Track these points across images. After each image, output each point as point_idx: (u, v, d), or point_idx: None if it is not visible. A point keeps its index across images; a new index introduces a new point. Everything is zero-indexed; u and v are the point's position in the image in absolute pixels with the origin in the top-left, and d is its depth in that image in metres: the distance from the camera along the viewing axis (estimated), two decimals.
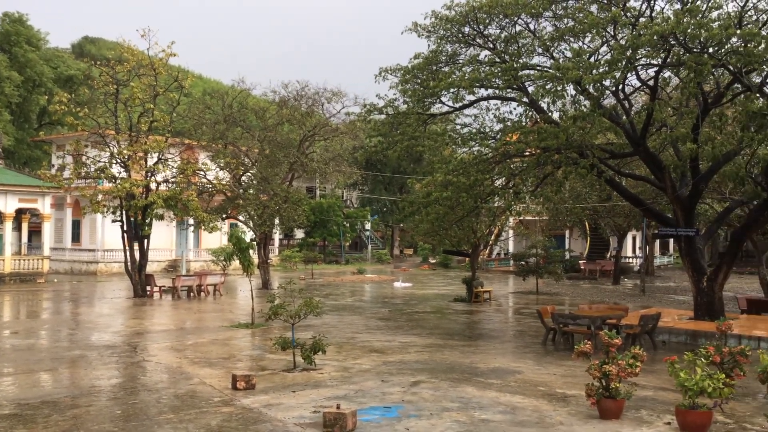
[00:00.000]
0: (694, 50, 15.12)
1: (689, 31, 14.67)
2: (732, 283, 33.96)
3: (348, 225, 61.03)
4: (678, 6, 16.58)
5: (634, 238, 53.99)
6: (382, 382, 12.13)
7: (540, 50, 18.49)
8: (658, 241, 51.78)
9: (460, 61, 19.48)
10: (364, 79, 20.04)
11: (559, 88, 16.29)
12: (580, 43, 17.70)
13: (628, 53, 15.27)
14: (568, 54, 17.58)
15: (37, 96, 56.36)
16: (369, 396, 11.00)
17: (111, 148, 28.42)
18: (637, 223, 39.09)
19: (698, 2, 16.06)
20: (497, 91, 19.20)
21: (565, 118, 17.61)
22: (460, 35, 19.16)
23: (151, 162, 29.18)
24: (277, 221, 34.57)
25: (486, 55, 19.19)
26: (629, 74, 17.00)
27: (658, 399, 10.96)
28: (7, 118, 53.87)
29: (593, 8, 17.48)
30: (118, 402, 10.72)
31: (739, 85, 16.18)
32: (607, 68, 15.62)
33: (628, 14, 16.71)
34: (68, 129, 35.27)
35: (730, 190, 24.40)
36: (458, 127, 21.83)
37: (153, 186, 28.91)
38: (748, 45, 14.48)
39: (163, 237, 43.05)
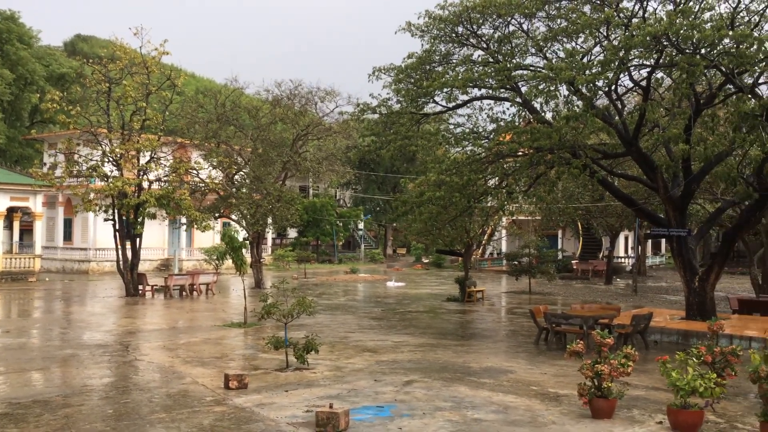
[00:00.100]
0: (687, 51, 15.18)
1: (682, 32, 14.73)
2: (723, 283, 34.10)
3: (341, 224, 60.98)
4: (671, 7, 16.65)
5: (626, 238, 54.19)
6: (375, 381, 12.13)
7: (533, 50, 18.53)
8: (650, 241, 51.98)
9: (454, 61, 19.50)
10: (363, 79, 20.09)
11: (552, 89, 16.33)
12: (573, 44, 17.75)
13: (620, 54, 15.32)
14: (561, 54, 17.61)
15: (28, 94, 56.07)
16: (362, 395, 11.00)
17: (103, 146, 28.33)
18: (629, 223, 39.22)
19: (691, 3, 16.13)
20: (490, 91, 19.23)
21: (558, 119, 17.65)
22: (454, 35, 19.18)
23: (143, 161, 29.10)
24: (269, 220, 34.52)
25: (479, 55, 19.22)
26: (622, 75, 17.07)
27: (650, 398, 10.99)
28: None
29: (586, 9, 17.54)
30: (109, 401, 10.69)
31: (731, 86, 16.24)
32: (600, 69, 15.67)
33: (621, 15, 16.76)
34: (60, 127, 35.15)
35: (722, 190, 24.51)
36: (451, 126, 21.86)
37: (145, 185, 28.83)
38: (740, 46, 14.53)
39: (155, 236, 42.95)
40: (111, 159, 28.26)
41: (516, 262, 34.64)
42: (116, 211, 28.30)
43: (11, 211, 37.80)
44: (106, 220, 29.36)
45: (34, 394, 11.11)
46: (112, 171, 28.60)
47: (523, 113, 19.30)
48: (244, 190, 32.94)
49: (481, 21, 18.66)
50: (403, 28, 19.55)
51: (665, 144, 18.75)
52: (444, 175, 18.70)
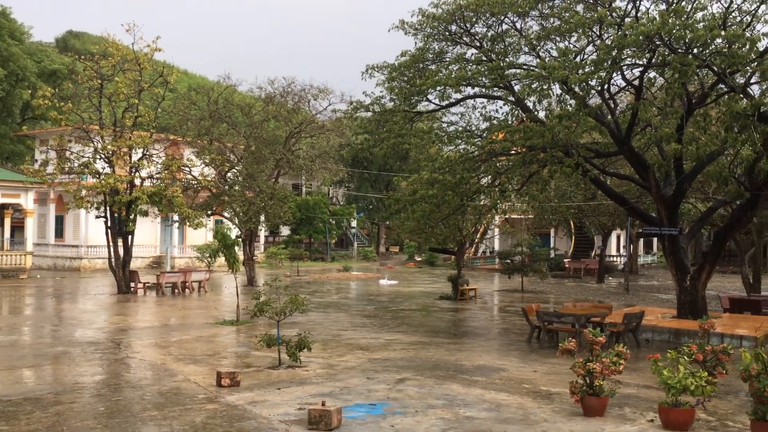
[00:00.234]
0: (679, 51, 15.22)
1: (674, 31, 14.77)
2: (715, 282, 34.26)
3: (334, 222, 60.95)
4: (663, 7, 16.69)
5: (618, 237, 54.38)
6: (368, 379, 12.14)
7: (526, 49, 18.56)
8: (642, 240, 52.18)
9: (447, 59, 19.51)
10: (359, 77, 20.05)
11: (545, 87, 16.35)
12: (566, 43, 17.78)
13: (613, 53, 15.36)
14: (555, 53, 17.65)
15: (20, 90, 55.76)
16: (354, 393, 11.00)
17: (95, 143, 28.22)
18: (621, 222, 39.36)
19: (683, 3, 16.17)
20: (484, 90, 19.25)
21: (550, 117, 17.69)
22: (447, 33, 19.18)
23: (135, 158, 28.99)
24: (262, 218, 34.48)
25: (473, 54, 19.24)
26: (615, 74, 17.11)
27: (642, 396, 11.04)
28: None
29: (579, 8, 17.57)
30: (101, 399, 10.66)
31: (723, 86, 16.30)
32: (592, 68, 15.69)
33: (614, 14, 16.79)
34: (52, 124, 35.02)
35: (714, 189, 24.60)
36: (444, 125, 21.88)
37: (137, 182, 28.73)
38: (732, 46, 14.58)
39: (147, 233, 42.81)
40: (103, 156, 28.15)
41: (508, 261, 34.73)
42: (108, 208, 28.19)
43: (2, 208, 37.61)
44: (97, 217, 29.25)
45: (25, 392, 11.07)
46: (104, 168, 28.48)
47: (516, 112, 19.34)
48: (237, 188, 32.88)
49: (474, 19, 18.67)
50: (396, 26, 19.54)
51: (657, 143, 18.81)
52: (437, 174, 18.72)
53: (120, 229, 28.59)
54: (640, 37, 14.76)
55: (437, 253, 45.24)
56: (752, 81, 16.44)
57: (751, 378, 8.87)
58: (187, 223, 30.42)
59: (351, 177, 64.35)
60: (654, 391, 11.06)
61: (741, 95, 15.61)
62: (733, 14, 16.28)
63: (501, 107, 20.07)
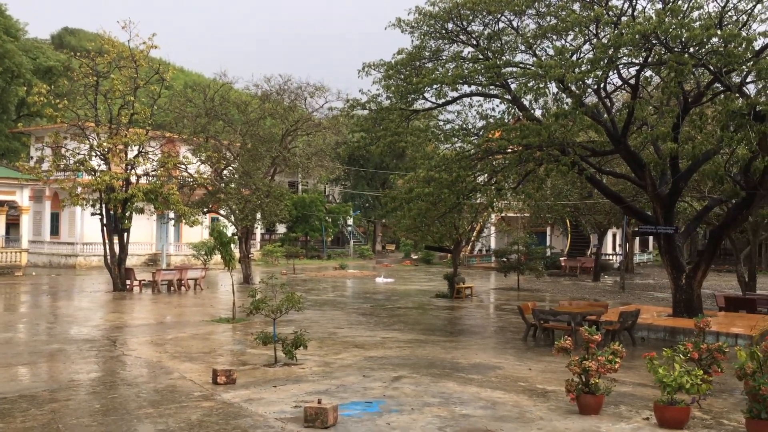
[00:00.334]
0: (675, 50, 15.24)
1: (671, 30, 14.79)
2: (710, 280, 34.36)
3: (330, 220, 60.90)
4: (660, 5, 16.71)
5: (614, 236, 54.45)
6: (364, 377, 12.14)
7: (523, 48, 18.56)
8: (637, 238, 52.25)
9: (444, 58, 19.50)
10: (356, 75, 20.06)
11: (541, 86, 16.37)
12: (563, 41, 17.79)
13: (610, 52, 15.37)
14: (551, 52, 17.64)
15: (15, 87, 55.58)
16: (350, 391, 11.01)
17: (90, 140, 28.14)
18: (617, 221, 39.41)
19: (680, 2, 16.19)
20: (480, 88, 19.24)
21: (547, 116, 17.70)
22: (444, 31, 19.18)
23: (131, 155, 28.93)
24: (258, 216, 34.43)
25: (469, 52, 19.23)
26: (611, 73, 17.12)
27: (637, 395, 11.07)
28: None
29: (576, 6, 17.57)
30: (97, 396, 10.64)
31: (719, 85, 16.34)
32: (589, 66, 15.72)
33: (611, 13, 16.81)
34: (47, 121, 34.84)
35: (709, 188, 24.66)
36: (441, 123, 21.88)
37: (133, 179, 28.68)
38: (729, 45, 14.62)
39: (143, 231, 42.71)
40: (98, 153, 28.09)
41: (505, 259, 34.76)
42: (104, 205, 28.14)
43: None
44: (93, 214, 29.18)
45: (21, 389, 11.05)
46: (99, 165, 28.43)
47: (513, 110, 19.35)
48: (233, 185, 32.83)
49: (471, 17, 18.67)
50: (393, 24, 19.53)
51: (653, 142, 18.86)
52: (433, 172, 18.72)
53: (116, 226, 28.53)
54: (637, 36, 14.78)
55: (433, 251, 45.23)
56: (748, 80, 16.47)
57: (746, 376, 8.90)
58: (183, 221, 30.36)
59: (347, 175, 64.29)
60: (649, 390, 11.09)
61: (737, 94, 15.64)
62: (729, 13, 16.32)
63: (497, 105, 20.12)
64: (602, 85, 17.78)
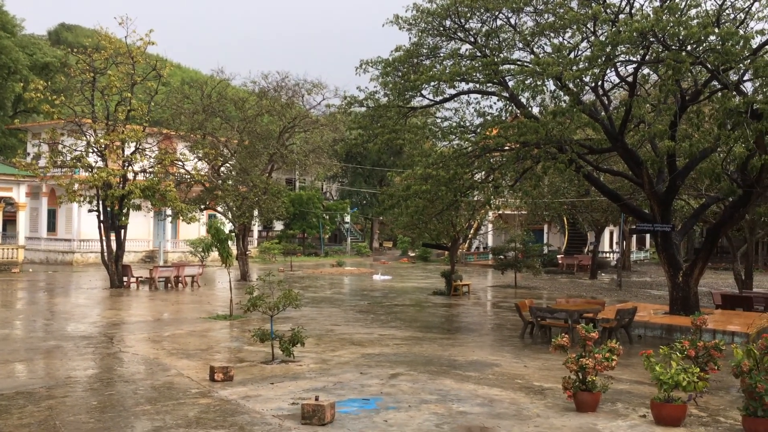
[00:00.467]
0: (673, 48, 15.25)
1: (668, 28, 14.79)
2: (707, 278, 34.41)
3: (327, 217, 60.92)
4: (657, 3, 16.71)
5: (611, 233, 54.49)
6: (361, 374, 12.15)
7: (520, 45, 18.56)
8: (634, 236, 52.34)
9: (441, 55, 19.49)
10: (357, 73, 19.95)
11: (539, 83, 16.38)
12: (561, 39, 17.79)
13: (607, 50, 15.38)
14: (549, 49, 17.67)
15: (12, 83, 55.42)
16: (348, 388, 11.01)
17: (87, 136, 28.09)
18: (614, 219, 39.46)
19: (677, 0, 16.20)
20: (478, 85, 19.25)
21: (544, 113, 17.70)
22: (441, 28, 19.17)
23: (128, 151, 28.89)
24: (256, 213, 34.42)
25: (467, 49, 19.22)
26: (608, 70, 17.13)
27: (634, 392, 11.09)
28: None
29: (574, 4, 17.56)
30: (94, 393, 10.63)
31: (717, 83, 16.35)
32: (586, 64, 15.73)
33: (608, 11, 16.81)
34: (44, 117, 34.81)
35: (707, 186, 24.67)
36: (438, 120, 21.89)
37: (130, 176, 28.64)
38: (726, 44, 14.63)
39: (140, 227, 42.70)
40: (95, 149, 28.04)
41: (502, 257, 34.77)
42: (101, 202, 28.10)
43: None
44: (90, 211, 29.15)
45: (18, 386, 11.03)
46: (96, 161, 28.38)
47: (510, 108, 19.35)
48: (230, 182, 32.81)
49: (468, 15, 18.66)
50: (390, 21, 19.51)
51: (651, 140, 18.87)
52: (431, 169, 18.71)
53: (113, 223, 28.49)
54: (634, 34, 14.78)
55: (431, 248, 45.28)
56: (745, 78, 16.51)
57: (743, 374, 8.91)
58: (180, 218, 30.33)
59: (345, 172, 64.30)
60: (646, 387, 11.11)
61: (734, 92, 15.66)
62: (727, 11, 16.33)
63: (495, 103, 20.09)
64: (600, 83, 17.79)
